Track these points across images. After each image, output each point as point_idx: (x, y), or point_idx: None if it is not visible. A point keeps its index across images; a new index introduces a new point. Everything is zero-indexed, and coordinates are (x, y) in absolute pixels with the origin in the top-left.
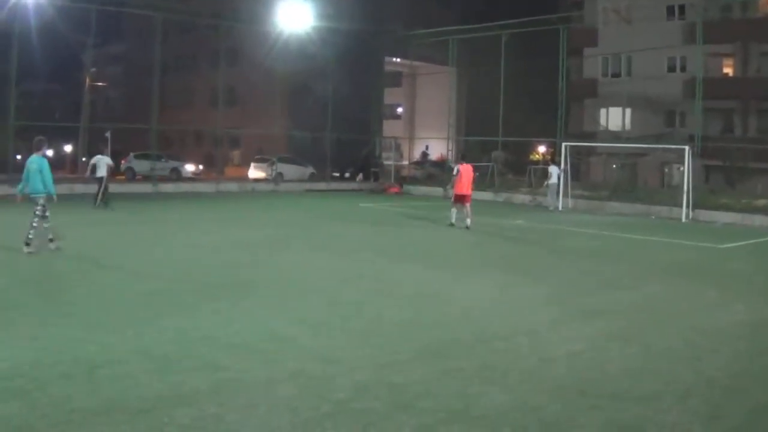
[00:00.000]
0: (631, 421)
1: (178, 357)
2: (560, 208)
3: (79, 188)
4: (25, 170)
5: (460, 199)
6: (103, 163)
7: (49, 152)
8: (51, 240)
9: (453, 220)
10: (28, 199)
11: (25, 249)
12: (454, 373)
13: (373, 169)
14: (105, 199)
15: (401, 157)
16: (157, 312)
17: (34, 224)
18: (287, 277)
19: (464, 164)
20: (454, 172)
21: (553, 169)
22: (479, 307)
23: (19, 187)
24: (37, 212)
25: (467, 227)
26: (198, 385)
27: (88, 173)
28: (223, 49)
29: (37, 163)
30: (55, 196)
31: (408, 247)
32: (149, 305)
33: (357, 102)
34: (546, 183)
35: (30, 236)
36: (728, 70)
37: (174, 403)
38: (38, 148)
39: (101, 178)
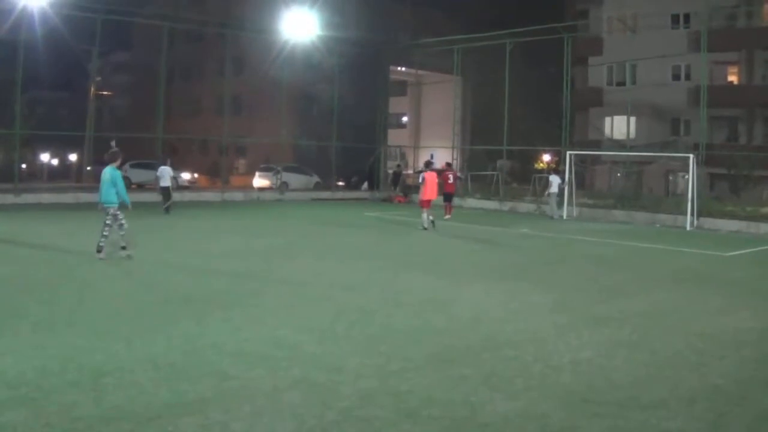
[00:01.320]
0: (636, 428)
1: (185, 365)
2: (564, 217)
3: (84, 197)
4: (101, 181)
5: (427, 204)
6: (166, 173)
7: (118, 165)
8: (123, 248)
9: (425, 225)
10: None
11: (97, 255)
12: (460, 380)
13: (391, 178)
14: (167, 207)
15: (406, 165)
16: (165, 320)
17: (105, 233)
18: (294, 285)
19: (429, 172)
20: (420, 179)
21: (553, 179)
22: (486, 315)
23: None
24: (108, 221)
25: (425, 228)
26: (204, 393)
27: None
28: (229, 58)
29: (110, 174)
30: (129, 205)
31: (414, 255)
32: (157, 313)
33: (362, 111)
34: (547, 192)
35: (101, 243)
36: (733, 78)
37: (180, 411)
38: (112, 160)
39: (166, 188)
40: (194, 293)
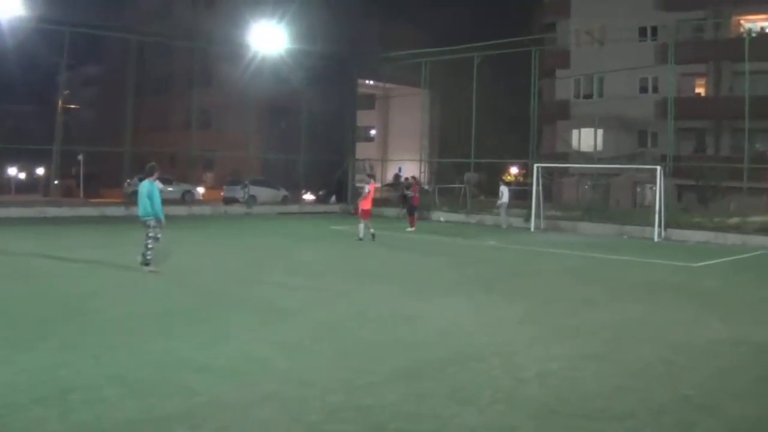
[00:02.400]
0: None
1: (153, 381)
2: (511, 226)
3: (51, 212)
4: (138, 196)
5: (367, 215)
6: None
7: (155, 179)
8: (147, 264)
9: (362, 235)
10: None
11: (146, 269)
12: (428, 394)
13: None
14: None
15: (374, 179)
16: (133, 336)
17: (150, 245)
18: (262, 300)
19: (373, 184)
20: (366, 190)
21: (503, 189)
22: (454, 328)
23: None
24: (150, 234)
25: (361, 239)
26: (172, 409)
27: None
28: (197, 72)
29: (147, 188)
30: (163, 220)
31: (381, 268)
32: (125, 329)
33: (330, 124)
34: (498, 203)
35: (148, 256)
36: (701, 90)
37: (147, 427)
38: (150, 174)
39: None
40: (162, 308)
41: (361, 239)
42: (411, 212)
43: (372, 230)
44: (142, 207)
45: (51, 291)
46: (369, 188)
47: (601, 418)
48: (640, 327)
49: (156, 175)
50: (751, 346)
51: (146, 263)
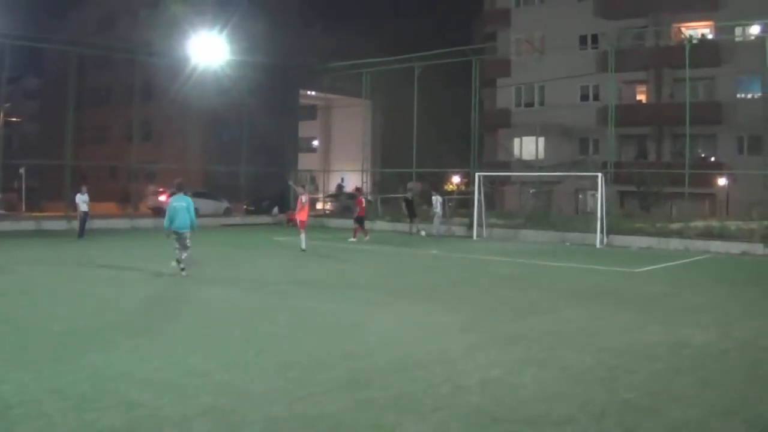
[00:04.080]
0: None
1: (94, 395)
2: (435, 234)
3: None
4: (170, 209)
5: (302, 225)
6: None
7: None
8: (183, 268)
9: (304, 246)
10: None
11: (183, 273)
12: (369, 403)
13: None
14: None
15: (317, 190)
16: (73, 350)
17: (184, 255)
18: (204, 313)
19: (308, 194)
20: (304, 200)
21: (436, 199)
22: (395, 337)
23: (166, 224)
24: (188, 244)
25: (304, 250)
26: (113, 422)
27: None
28: (138, 84)
29: (186, 202)
30: (195, 229)
31: (323, 279)
32: (65, 344)
33: (272, 135)
34: (432, 212)
35: (182, 265)
36: (642, 97)
37: None
38: (182, 189)
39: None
40: (102, 322)
41: (304, 250)
42: (360, 222)
43: (303, 243)
44: (182, 219)
45: None
46: (304, 199)
47: (542, 423)
48: (580, 333)
49: (187, 189)
50: (691, 350)
51: (183, 268)
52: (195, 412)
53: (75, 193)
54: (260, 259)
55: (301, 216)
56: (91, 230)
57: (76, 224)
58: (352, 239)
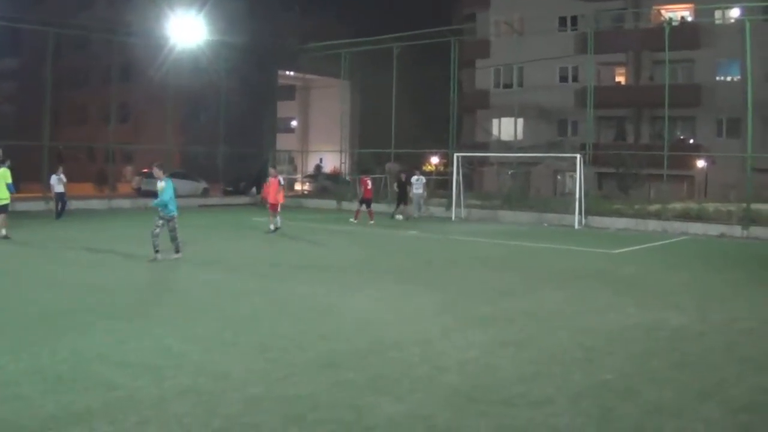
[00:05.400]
0: (523, 426)
1: (72, 377)
2: (419, 215)
3: None
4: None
5: (273, 207)
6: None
7: None
8: (157, 251)
9: (279, 224)
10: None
11: (175, 256)
12: (347, 384)
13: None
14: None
15: (295, 170)
16: (51, 332)
17: (178, 237)
18: (180, 295)
19: (273, 177)
20: (282, 182)
21: (419, 179)
22: (372, 318)
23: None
24: (177, 226)
25: (273, 230)
26: (90, 404)
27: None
28: (115, 65)
29: (174, 185)
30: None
31: (300, 260)
32: (43, 326)
33: (250, 116)
34: (413, 192)
35: (180, 245)
36: (620, 79)
37: (66, 422)
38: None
39: (61, 194)
40: (78, 305)
41: (272, 230)
42: (368, 205)
43: (272, 225)
44: (173, 201)
45: None
46: (271, 180)
47: (520, 404)
48: (557, 314)
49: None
50: (667, 332)
51: (178, 250)
52: (173, 393)
53: (50, 175)
54: (238, 240)
55: (271, 198)
56: (69, 211)
57: (53, 205)
58: (352, 220)
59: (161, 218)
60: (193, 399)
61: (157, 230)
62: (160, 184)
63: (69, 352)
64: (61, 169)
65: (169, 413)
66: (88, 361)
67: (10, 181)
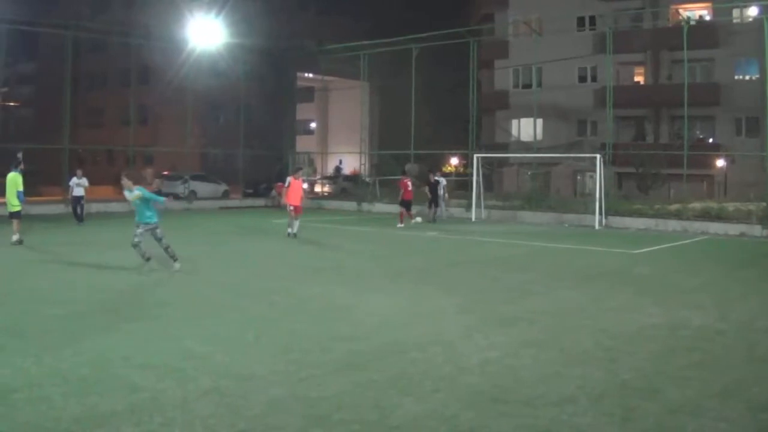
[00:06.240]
0: (546, 426)
1: (95, 379)
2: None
3: None
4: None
5: (292, 210)
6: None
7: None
8: (148, 259)
9: (291, 230)
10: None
11: (177, 266)
12: (369, 384)
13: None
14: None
15: (314, 172)
16: (73, 335)
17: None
18: (202, 296)
19: (295, 178)
20: (286, 184)
21: (441, 181)
22: (393, 319)
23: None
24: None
25: (295, 235)
26: (114, 406)
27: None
28: (134, 67)
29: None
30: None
31: (320, 261)
32: (64, 328)
33: (270, 118)
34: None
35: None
36: (639, 79)
37: (90, 424)
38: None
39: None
40: (100, 306)
41: (293, 235)
42: (408, 207)
43: (290, 229)
44: (151, 209)
45: None
46: (290, 181)
47: (542, 404)
48: (578, 314)
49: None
50: (687, 331)
51: (175, 258)
52: (196, 395)
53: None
54: (257, 242)
55: (288, 200)
56: (89, 214)
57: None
58: (399, 224)
59: (141, 228)
60: (217, 400)
61: (137, 239)
62: (135, 194)
63: (91, 354)
64: (80, 171)
65: (193, 415)
66: (111, 363)
67: (21, 188)
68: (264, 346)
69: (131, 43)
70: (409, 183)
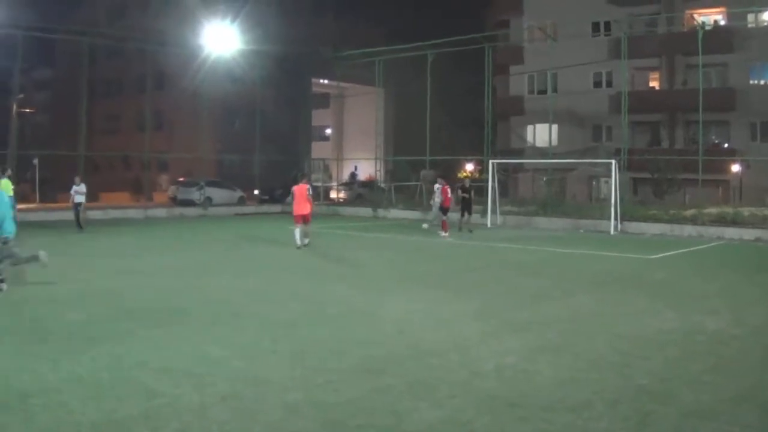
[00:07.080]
0: (561, 431)
1: (112, 384)
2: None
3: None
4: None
5: (299, 219)
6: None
7: None
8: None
9: (298, 243)
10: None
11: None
12: (385, 389)
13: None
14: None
15: (330, 178)
16: (90, 340)
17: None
18: (218, 301)
19: (299, 185)
20: (289, 198)
21: (438, 188)
22: (409, 324)
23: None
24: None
25: (304, 245)
26: (131, 411)
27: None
28: (150, 74)
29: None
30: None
31: (336, 266)
32: (82, 333)
33: (285, 124)
34: (432, 200)
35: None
36: (654, 84)
37: (108, 429)
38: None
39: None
40: (119, 313)
41: (299, 247)
42: (445, 213)
43: (298, 238)
44: (8, 219)
45: (4, 298)
46: (293, 190)
47: (558, 409)
48: (593, 318)
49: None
50: (704, 336)
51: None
52: (213, 400)
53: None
54: (273, 248)
55: (295, 210)
56: (95, 220)
57: (90, 214)
58: (444, 234)
59: None
60: (234, 405)
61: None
62: None
63: (108, 359)
64: (78, 179)
65: (211, 420)
66: (128, 368)
67: (11, 193)
68: (281, 352)
69: (147, 49)
70: (449, 190)
